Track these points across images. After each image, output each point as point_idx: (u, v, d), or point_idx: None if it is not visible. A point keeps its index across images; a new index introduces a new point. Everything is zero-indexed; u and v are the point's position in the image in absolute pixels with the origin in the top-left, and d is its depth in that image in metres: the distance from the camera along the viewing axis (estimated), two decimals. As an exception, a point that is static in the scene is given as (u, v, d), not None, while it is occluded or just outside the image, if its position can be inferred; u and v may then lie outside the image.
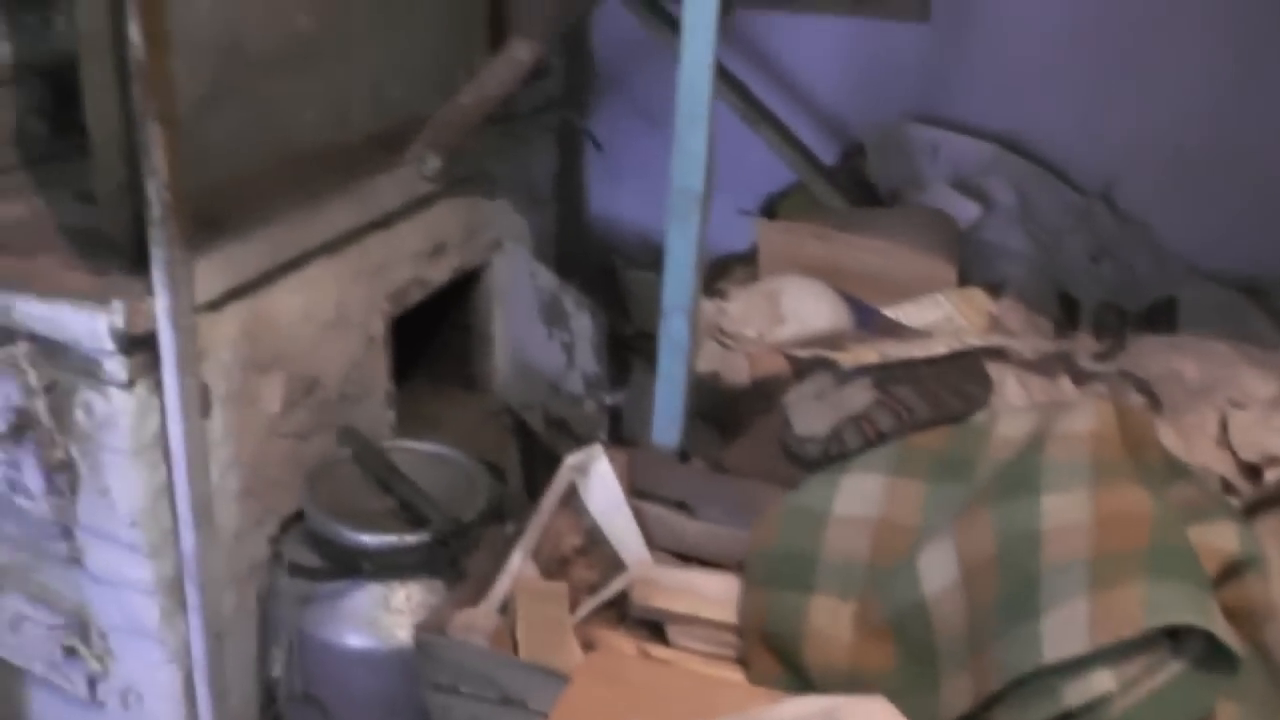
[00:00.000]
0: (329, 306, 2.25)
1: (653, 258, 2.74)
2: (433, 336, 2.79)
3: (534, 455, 2.73)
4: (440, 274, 2.55)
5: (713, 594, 1.82)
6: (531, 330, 2.63)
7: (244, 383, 2.06)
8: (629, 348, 2.55)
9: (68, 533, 2.08)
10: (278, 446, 2.17)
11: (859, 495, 1.78)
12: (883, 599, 1.66)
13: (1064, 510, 1.51)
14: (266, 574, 2.15)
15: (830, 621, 1.69)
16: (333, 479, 2.13)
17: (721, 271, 2.47)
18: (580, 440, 2.35)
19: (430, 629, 1.61)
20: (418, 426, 2.48)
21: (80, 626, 2.16)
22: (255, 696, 2.23)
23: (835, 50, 2.79)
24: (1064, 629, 1.39)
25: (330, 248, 2.23)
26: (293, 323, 2.17)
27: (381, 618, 1.98)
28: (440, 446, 2.23)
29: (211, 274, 1.94)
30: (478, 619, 1.63)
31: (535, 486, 2.22)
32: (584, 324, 2.44)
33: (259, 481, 2.13)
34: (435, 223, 2.51)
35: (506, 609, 1.71)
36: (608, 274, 2.91)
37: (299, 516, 2.15)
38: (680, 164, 1.83)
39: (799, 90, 2.85)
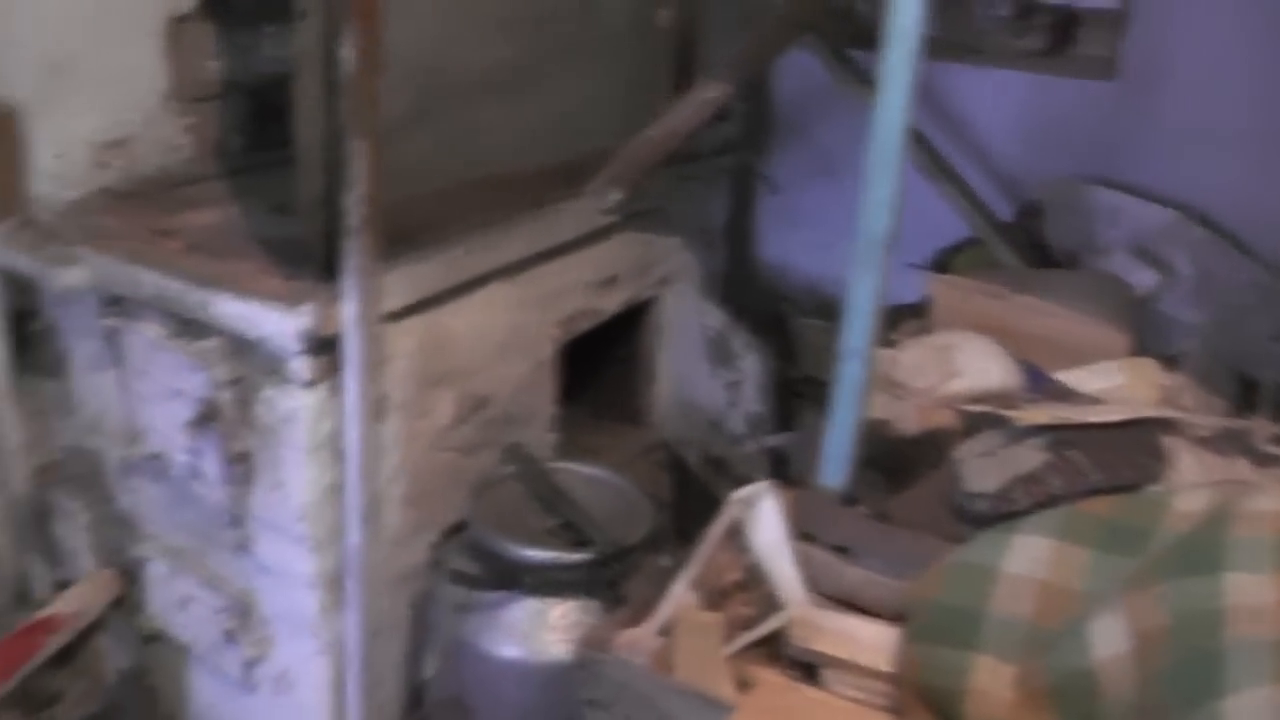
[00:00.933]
0: (503, 328, 2.30)
1: (820, 306, 2.76)
2: (596, 367, 2.83)
3: (688, 492, 2.74)
4: (610, 305, 2.60)
5: (869, 641, 1.80)
6: (695, 368, 2.65)
7: (417, 394, 2.13)
8: (795, 392, 2.55)
9: (239, 521, 2.16)
10: (443, 459, 2.22)
11: (1027, 556, 1.74)
12: (1046, 663, 1.62)
13: (1249, 590, 1.46)
14: (422, 580, 2.21)
15: (992, 681, 1.66)
16: (496, 494, 2.17)
17: (891, 322, 2.46)
18: (738, 480, 2.36)
19: (594, 645, 1.63)
20: (575, 454, 2.51)
21: (243, 612, 2.24)
22: (400, 696, 2.28)
23: (1016, 106, 2.77)
24: (1250, 712, 1.34)
25: (508, 271, 2.29)
26: (467, 341, 2.23)
27: (537, 632, 2.01)
28: (603, 471, 2.25)
29: (396, 286, 2.01)
30: (641, 640, 1.64)
31: (687, 524, 2.23)
32: (752, 365, 2.45)
33: (422, 490, 2.18)
34: (610, 255, 2.56)
35: (664, 635, 1.72)
36: (775, 319, 2.91)
37: (457, 529, 2.20)
38: (868, 210, 1.83)
39: (976, 145, 2.83)
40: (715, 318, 2.57)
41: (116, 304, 2.22)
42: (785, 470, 2.45)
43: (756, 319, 2.76)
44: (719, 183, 2.94)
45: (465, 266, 2.16)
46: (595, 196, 2.42)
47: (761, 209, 3.11)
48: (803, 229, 3.01)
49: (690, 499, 2.72)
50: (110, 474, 2.44)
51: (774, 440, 2.45)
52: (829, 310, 2.72)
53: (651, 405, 2.85)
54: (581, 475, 2.24)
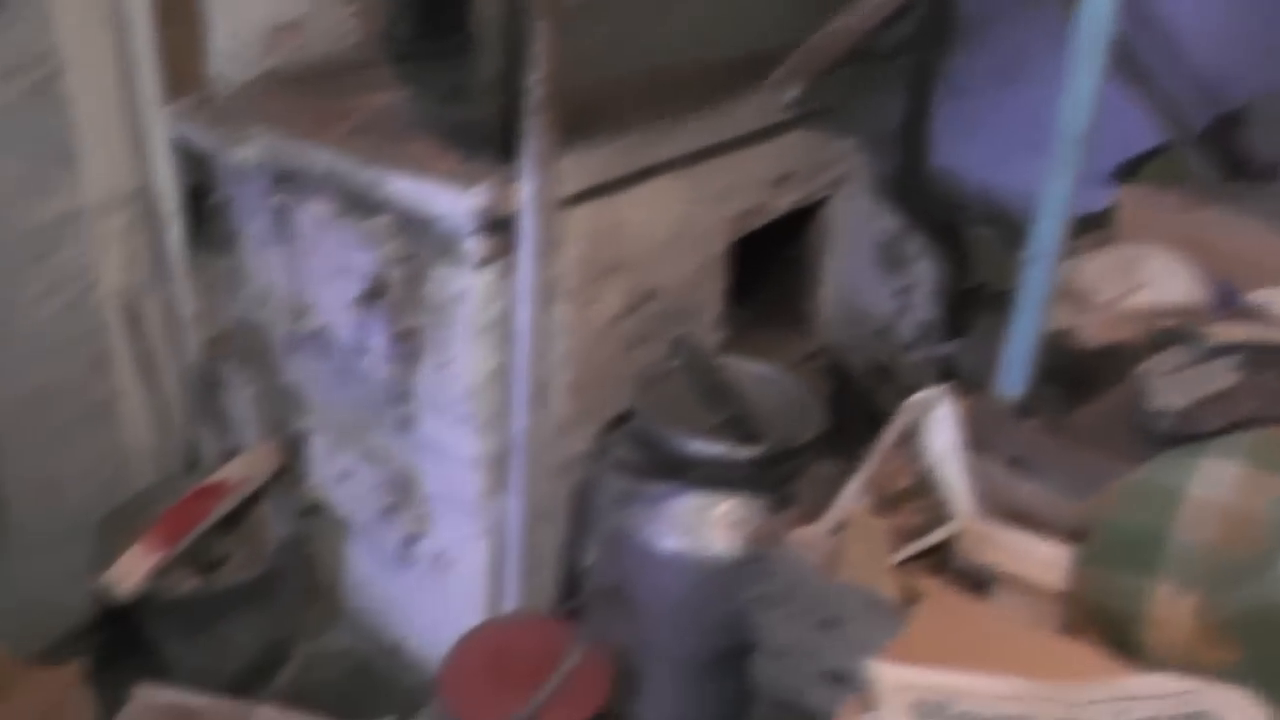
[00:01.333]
0: (674, 221, 2.27)
1: (991, 215, 2.66)
2: (761, 268, 2.77)
3: (849, 399, 2.69)
4: (782, 204, 2.54)
5: (1041, 558, 1.74)
6: (864, 272, 2.58)
7: (587, 282, 2.11)
8: (967, 301, 2.47)
9: (403, 399, 2.18)
10: (609, 349, 2.21)
11: (1214, 480, 1.66)
12: (1233, 594, 1.55)
13: None
14: (582, 469, 2.21)
15: (1171, 609, 1.59)
16: (662, 386, 2.14)
17: (1074, 231, 2.36)
18: (903, 389, 2.30)
19: (766, 542, 1.60)
20: (738, 354, 2.47)
21: (403, 489, 2.28)
22: (556, 582, 2.30)
23: (1221, 4, 2.59)
24: None
25: (682, 164, 2.24)
26: (638, 232, 2.20)
27: (700, 526, 1.98)
28: (772, 369, 2.20)
29: (572, 171, 1.97)
30: (814, 540, 1.61)
31: (847, 431, 2.18)
32: (924, 271, 2.37)
33: (588, 379, 2.17)
34: (784, 152, 2.49)
35: (834, 537, 1.69)
36: (948, 226, 2.81)
37: (619, 421, 2.18)
38: (1069, 107, 1.75)
39: (1174, 46, 2.66)
40: (889, 222, 2.49)
41: (287, 181, 2.25)
42: (954, 380, 2.38)
43: (929, 226, 2.67)
44: (896, 84, 2.84)
45: (640, 155, 2.12)
46: (773, 91, 2.35)
47: (937, 113, 2.99)
48: (980, 135, 2.88)
49: (851, 406, 2.66)
50: (276, 348, 2.48)
51: (944, 348, 2.37)
52: (1001, 219, 2.63)
53: (816, 309, 2.79)
54: (750, 372, 2.20)
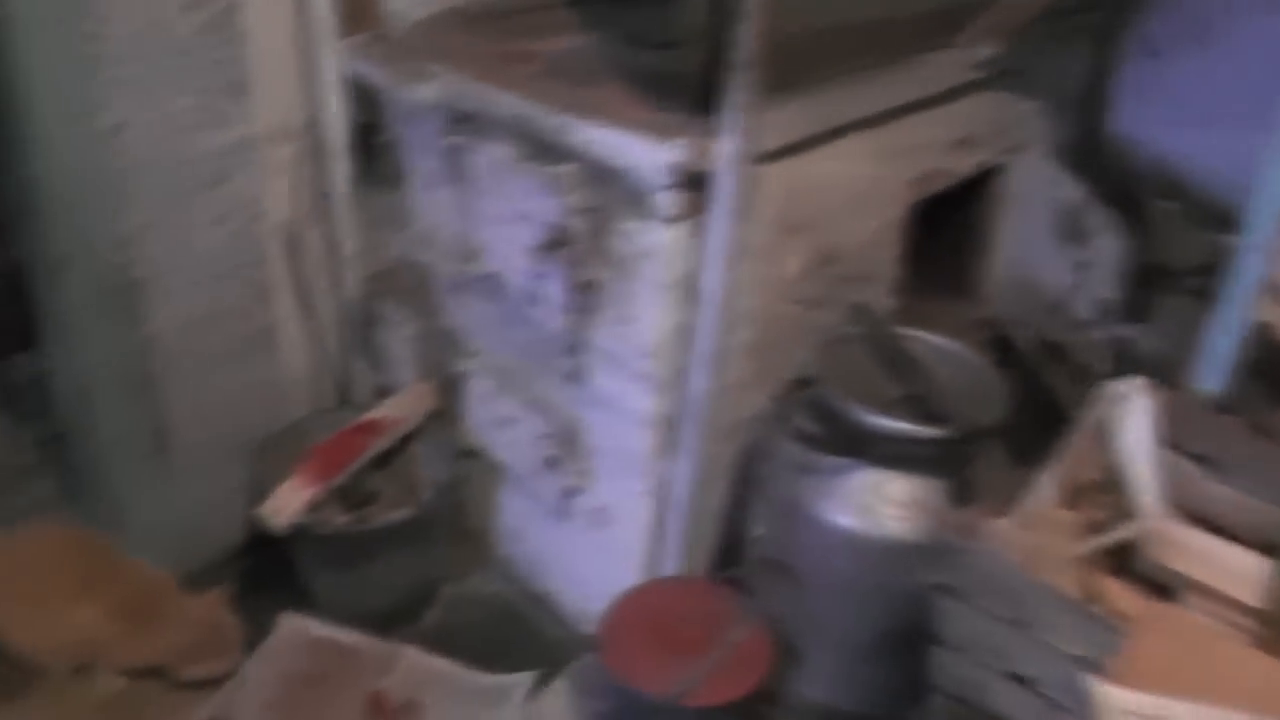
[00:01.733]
0: (858, 183, 2.20)
1: (1173, 187, 2.54)
2: (929, 232, 2.70)
3: (1014, 375, 2.60)
4: (963, 167, 2.46)
5: (1235, 567, 1.66)
6: (1041, 243, 2.49)
7: (773, 241, 2.05)
8: (1149, 280, 2.37)
9: (576, 351, 2.16)
10: (788, 311, 2.16)
11: None
12: None
13: None
14: (750, 433, 2.16)
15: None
16: (841, 354, 2.09)
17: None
18: (1075, 369, 2.22)
19: (959, 531, 1.55)
20: (907, 321, 2.41)
21: (567, 441, 2.25)
22: (717, 548, 2.27)
23: None
24: None
25: (869, 123, 2.17)
26: (824, 191, 2.14)
27: (875, 504, 1.94)
28: (954, 343, 2.14)
29: (771, 128, 1.91)
30: (1011, 534, 1.55)
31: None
32: (1107, 246, 2.28)
33: (765, 341, 2.12)
34: (968, 114, 2.41)
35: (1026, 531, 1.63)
36: (1128, 198, 2.71)
37: (793, 385, 2.13)
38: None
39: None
40: (1070, 191, 2.39)
41: (464, 122, 2.21)
42: (1132, 366, 2.30)
43: (1111, 197, 2.56)
44: (1082, 43, 2.71)
45: (835, 113, 2.06)
46: (966, 50, 2.26)
47: (1122, 77, 2.86)
48: (1162, 101, 2.76)
49: (1015, 382, 2.59)
50: (439, 289, 2.47)
51: (1126, 331, 2.28)
52: (1184, 193, 2.51)
53: (984, 278, 2.71)
54: (931, 345, 2.13)
